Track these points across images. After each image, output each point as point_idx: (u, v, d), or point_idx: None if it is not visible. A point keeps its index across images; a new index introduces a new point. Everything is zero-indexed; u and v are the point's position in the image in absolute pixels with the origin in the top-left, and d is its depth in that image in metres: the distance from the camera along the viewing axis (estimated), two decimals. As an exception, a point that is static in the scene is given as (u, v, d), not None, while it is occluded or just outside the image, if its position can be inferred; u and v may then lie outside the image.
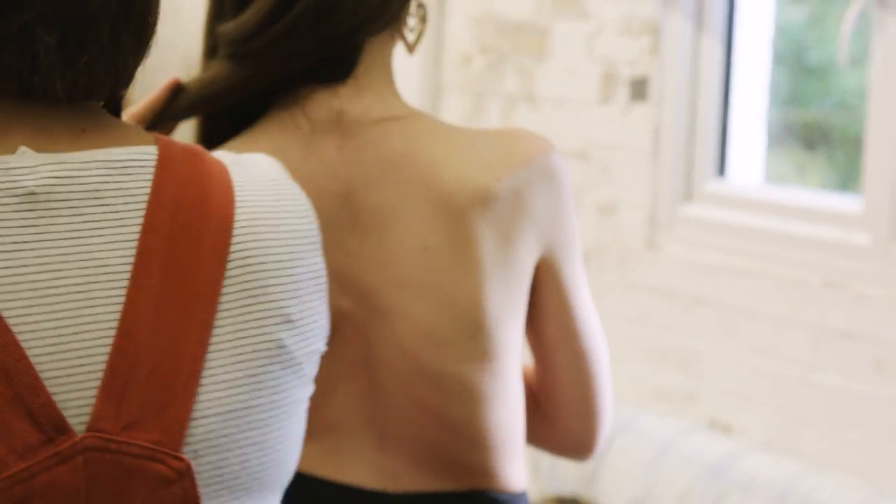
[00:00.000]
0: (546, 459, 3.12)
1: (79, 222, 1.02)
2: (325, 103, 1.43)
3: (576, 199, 3.37)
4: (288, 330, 1.08)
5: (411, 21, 1.47)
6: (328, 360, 1.43)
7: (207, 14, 1.48)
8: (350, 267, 1.42)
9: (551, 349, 1.52)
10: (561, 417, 1.56)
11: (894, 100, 2.69)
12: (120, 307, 1.01)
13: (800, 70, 3.17)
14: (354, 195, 1.42)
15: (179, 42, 5.19)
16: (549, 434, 1.57)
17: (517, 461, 1.50)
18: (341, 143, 1.43)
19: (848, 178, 3.02)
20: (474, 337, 1.42)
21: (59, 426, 0.98)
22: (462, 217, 1.40)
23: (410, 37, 1.48)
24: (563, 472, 3.08)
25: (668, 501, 2.83)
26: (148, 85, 4.73)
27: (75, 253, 1.01)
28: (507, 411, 1.47)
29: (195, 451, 1.02)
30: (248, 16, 1.40)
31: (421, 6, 1.48)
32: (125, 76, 1.09)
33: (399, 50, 1.50)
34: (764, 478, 2.67)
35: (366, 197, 1.42)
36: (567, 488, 3.07)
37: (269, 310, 1.07)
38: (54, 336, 0.99)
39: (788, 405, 2.87)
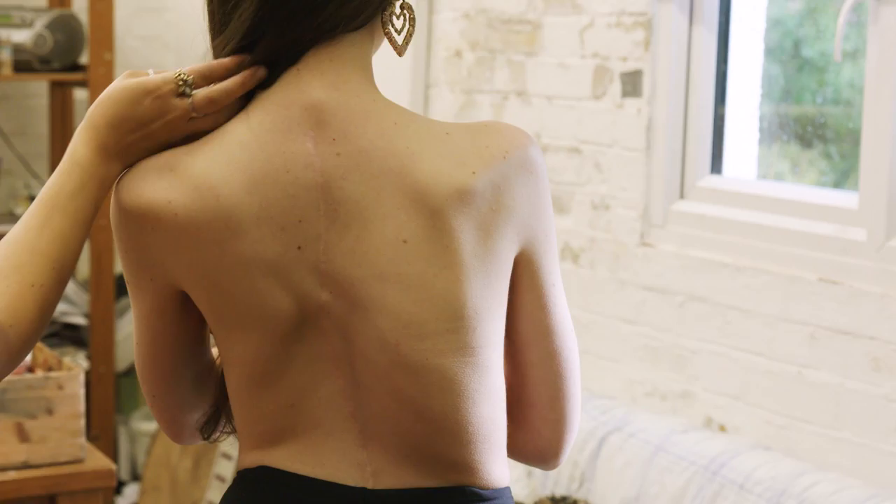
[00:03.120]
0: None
1: None
2: (302, 96, 1.45)
3: (568, 196, 3.35)
4: None
5: (398, 22, 1.49)
6: (308, 357, 1.44)
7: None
8: (329, 260, 1.44)
9: (522, 346, 1.52)
10: (528, 420, 1.56)
11: (890, 94, 2.67)
12: None
13: (795, 64, 3.15)
14: (332, 187, 1.43)
15: (169, 39, 5.16)
16: (514, 438, 1.57)
17: (500, 456, 1.51)
18: (317, 135, 1.44)
19: (843, 173, 3.00)
20: (456, 330, 1.43)
21: None
22: (440, 212, 1.41)
23: (398, 38, 1.49)
24: (557, 472, 3.07)
25: (663, 501, 2.83)
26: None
27: None
28: (488, 406, 1.47)
29: None
30: (227, 36, 1.46)
31: (407, 7, 1.50)
32: None
33: (388, 48, 1.52)
34: (759, 477, 2.67)
35: (343, 189, 1.43)
36: (560, 488, 3.06)
37: None
38: None
39: (784, 403, 2.86)
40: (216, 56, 1.48)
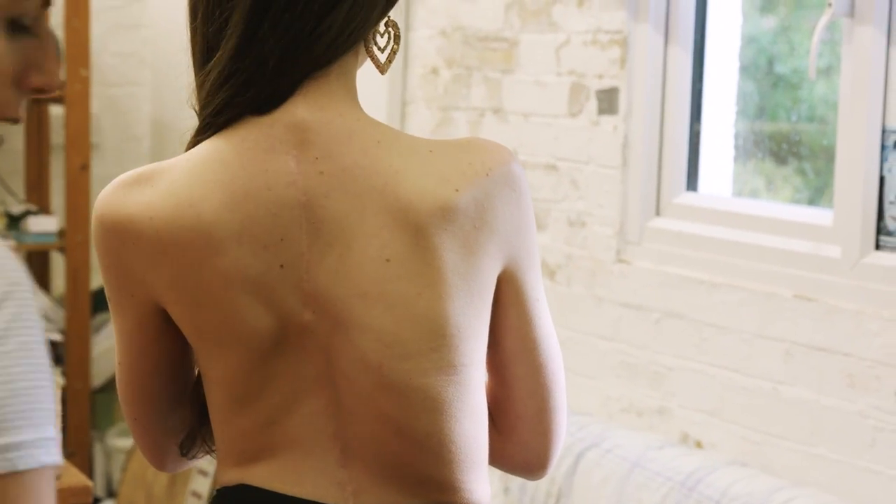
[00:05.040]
0: (517, 477, 3.10)
1: None
2: (286, 115, 1.44)
3: (545, 213, 3.36)
4: None
5: (381, 40, 1.48)
6: (289, 376, 1.43)
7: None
8: (312, 279, 1.43)
9: (508, 361, 1.53)
10: (515, 432, 1.57)
11: (863, 111, 2.68)
12: None
13: (769, 82, 3.17)
14: (314, 206, 1.43)
15: (146, 56, 5.14)
16: (502, 450, 1.58)
17: (482, 475, 1.51)
18: (300, 154, 1.44)
19: (818, 190, 3.02)
20: (438, 349, 1.43)
21: None
22: (423, 229, 1.41)
23: (381, 56, 1.49)
24: (534, 488, 3.07)
25: (639, 517, 2.82)
26: (120, 96, 4.70)
27: None
28: (471, 424, 1.48)
29: None
30: (211, 75, 1.44)
31: (392, 25, 1.49)
32: None
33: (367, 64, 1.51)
34: (735, 493, 2.67)
35: (326, 208, 1.43)
36: (537, 505, 3.06)
37: None
38: None
39: (760, 419, 2.86)
40: (198, 90, 1.47)
